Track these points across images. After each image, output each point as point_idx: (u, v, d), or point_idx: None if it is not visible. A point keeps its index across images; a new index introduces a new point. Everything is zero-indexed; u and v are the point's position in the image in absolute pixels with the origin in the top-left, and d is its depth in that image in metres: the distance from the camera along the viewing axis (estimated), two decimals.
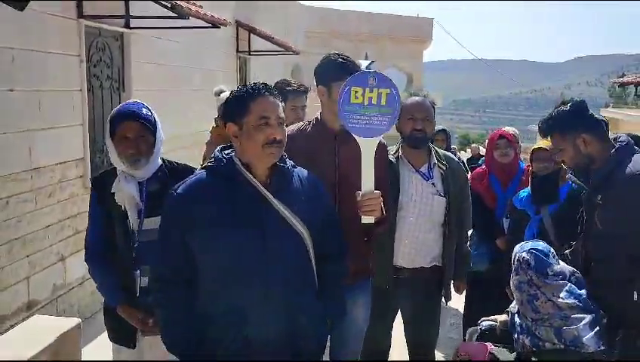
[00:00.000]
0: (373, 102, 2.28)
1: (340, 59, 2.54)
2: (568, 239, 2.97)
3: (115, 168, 2.44)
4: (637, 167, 2.44)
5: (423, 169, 3.05)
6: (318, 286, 2.11)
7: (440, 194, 3.01)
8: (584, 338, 2.44)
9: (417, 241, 3.01)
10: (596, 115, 2.63)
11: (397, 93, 2.30)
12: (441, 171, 3.04)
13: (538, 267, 2.57)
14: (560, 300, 2.53)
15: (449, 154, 3.28)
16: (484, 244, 3.89)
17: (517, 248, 2.70)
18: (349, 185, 2.45)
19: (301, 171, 2.13)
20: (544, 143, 3.32)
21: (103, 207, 2.44)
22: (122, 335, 2.49)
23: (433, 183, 3.02)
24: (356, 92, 2.27)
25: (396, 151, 3.07)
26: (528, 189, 3.47)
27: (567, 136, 2.58)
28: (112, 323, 2.51)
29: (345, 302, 2.25)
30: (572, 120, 2.58)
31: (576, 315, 2.50)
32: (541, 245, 2.65)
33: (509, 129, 4.32)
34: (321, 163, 2.45)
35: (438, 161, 3.07)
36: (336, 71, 2.51)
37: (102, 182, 2.46)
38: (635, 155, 2.51)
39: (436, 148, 3.18)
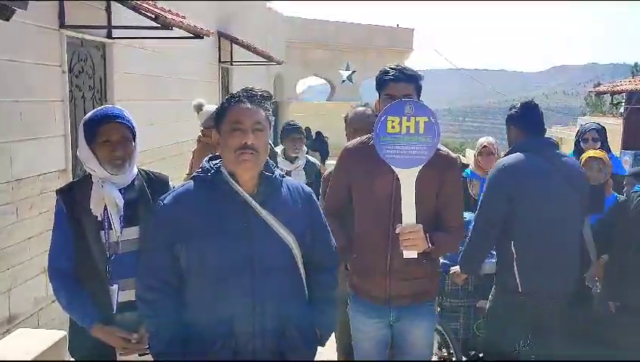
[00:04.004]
0: (411, 131, 2.19)
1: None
2: (605, 248, 3.15)
3: (84, 178, 2.32)
4: (503, 160, 2.87)
5: None
6: (308, 297, 2.10)
7: None
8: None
9: None
10: (534, 115, 2.95)
11: (435, 120, 2.21)
12: None
13: None
14: None
15: None
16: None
17: None
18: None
19: (291, 181, 2.11)
20: (594, 152, 3.37)
21: (72, 218, 2.24)
22: (99, 358, 2.24)
23: None
24: (393, 121, 2.18)
25: None
26: None
27: (508, 128, 3.03)
28: (85, 344, 2.25)
29: (335, 314, 2.20)
30: (508, 115, 3.03)
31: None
32: None
33: (485, 140, 4.45)
34: (379, 180, 2.35)
35: None
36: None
37: (70, 192, 2.30)
38: (523, 152, 2.83)
39: None
